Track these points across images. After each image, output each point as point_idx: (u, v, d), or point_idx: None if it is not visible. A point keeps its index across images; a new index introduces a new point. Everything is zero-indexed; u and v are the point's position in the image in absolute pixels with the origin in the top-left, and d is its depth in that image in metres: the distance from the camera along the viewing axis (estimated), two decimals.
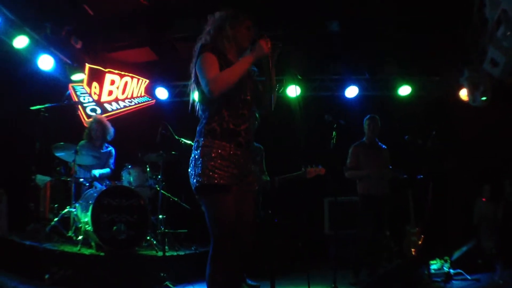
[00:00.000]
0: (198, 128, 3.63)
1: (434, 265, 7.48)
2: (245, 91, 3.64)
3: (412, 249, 7.80)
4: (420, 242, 7.77)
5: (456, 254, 7.49)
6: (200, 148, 3.50)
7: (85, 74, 9.37)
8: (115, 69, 9.81)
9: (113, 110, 9.69)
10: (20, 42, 7.84)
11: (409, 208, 8.02)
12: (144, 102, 10.21)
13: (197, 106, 3.75)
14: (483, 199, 8.70)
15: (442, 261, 7.53)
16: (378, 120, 7.45)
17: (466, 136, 9.26)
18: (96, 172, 7.61)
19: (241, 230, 3.53)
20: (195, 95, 3.76)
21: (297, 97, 8.52)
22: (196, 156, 3.50)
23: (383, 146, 7.49)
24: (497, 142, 8.74)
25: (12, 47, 7.82)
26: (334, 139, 6.65)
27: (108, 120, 8.52)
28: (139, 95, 10.18)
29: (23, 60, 8.21)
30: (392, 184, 7.33)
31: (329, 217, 8.98)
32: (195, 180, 3.47)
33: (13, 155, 7.84)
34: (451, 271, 6.85)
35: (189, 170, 3.55)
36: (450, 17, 8.01)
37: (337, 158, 6.78)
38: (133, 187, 7.45)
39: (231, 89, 3.47)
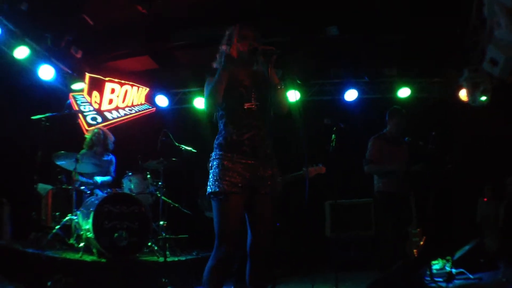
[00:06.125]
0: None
1: (436, 265, 7.49)
2: (248, 101, 3.83)
3: (414, 250, 7.79)
4: (422, 243, 7.77)
5: (458, 254, 7.48)
6: (211, 161, 3.85)
7: (85, 83, 9.45)
8: (115, 78, 9.87)
9: (113, 118, 9.74)
10: (21, 52, 7.91)
11: (410, 209, 8.02)
12: (144, 110, 10.26)
13: None
14: (485, 199, 8.68)
15: (444, 261, 7.52)
16: (404, 114, 7.12)
17: (466, 136, 9.26)
18: (98, 179, 7.68)
19: (258, 233, 3.82)
20: None
21: (296, 102, 8.50)
22: (209, 168, 3.84)
23: (405, 140, 7.12)
24: (498, 141, 8.74)
25: (13, 57, 7.89)
26: (334, 142, 6.64)
27: (108, 128, 8.60)
28: (139, 103, 10.23)
29: (24, 71, 8.28)
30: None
31: (330, 220, 8.96)
32: (207, 188, 3.82)
33: (15, 164, 7.89)
34: (453, 270, 6.83)
35: None
36: (449, 18, 8.01)
37: (337, 161, 6.75)
38: (134, 194, 7.48)
39: (234, 102, 3.80)
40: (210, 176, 3.80)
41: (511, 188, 7.98)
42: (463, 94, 9.00)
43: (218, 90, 3.74)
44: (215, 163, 3.79)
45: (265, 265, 3.82)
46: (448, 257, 7.50)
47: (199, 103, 10.18)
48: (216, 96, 3.74)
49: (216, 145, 3.86)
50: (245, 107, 3.81)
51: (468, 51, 7.79)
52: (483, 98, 8.31)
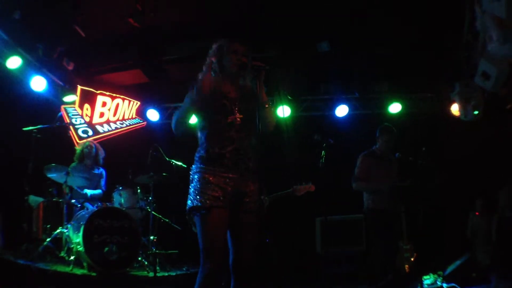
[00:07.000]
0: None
1: (428, 280, 7.45)
2: (231, 114, 3.74)
3: (406, 266, 7.78)
4: (413, 259, 7.76)
5: (450, 269, 7.47)
6: (191, 175, 3.75)
7: (77, 95, 9.39)
8: (106, 91, 9.83)
9: (104, 132, 9.68)
10: (13, 62, 7.84)
11: (401, 225, 8.01)
12: (135, 124, 10.23)
13: None
14: (477, 213, 8.72)
15: (436, 276, 7.50)
16: (394, 132, 7.07)
17: (457, 151, 9.28)
18: (88, 192, 7.65)
19: (240, 250, 3.70)
20: None
21: (284, 118, 8.51)
22: (190, 182, 3.72)
23: (396, 155, 7.08)
24: (489, 155, 8.77)
25: (5, 67, 7.82)
26: (323, 158, 6.62)
27: (99, 142, 8.56)
28: (130, 117, 10.21)
29: (16, 81, 8.21)
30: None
31: (320, 236, 8.93)
32: (187, 202, 3.69)
33: (6, 175, 7.82)
34: (445, 285, 6.83)
35: None
36: (440, 32, 8.07)
37: (326, 177, 6.71)
38: (124, 209, 7.47)
39: (216, 113, 3.71)
40: (190, 190, 3.69)
41: (503, 202, 8.02)
42: (455, 109, 9.05)
43: (186, 119, 3.85)
44: (196, 176, 3.69)
45: (248, 283, 3.70)
46: (439, 272, 7.48)
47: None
48: (184, 125, 3.86)
49: (197, 158, 3.77)
50: (228, 120, 3.73)
51: (460, 65, 7.81)
52: (475, 112, 8.35)
